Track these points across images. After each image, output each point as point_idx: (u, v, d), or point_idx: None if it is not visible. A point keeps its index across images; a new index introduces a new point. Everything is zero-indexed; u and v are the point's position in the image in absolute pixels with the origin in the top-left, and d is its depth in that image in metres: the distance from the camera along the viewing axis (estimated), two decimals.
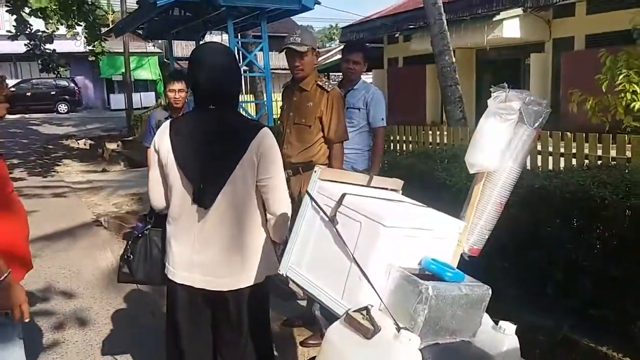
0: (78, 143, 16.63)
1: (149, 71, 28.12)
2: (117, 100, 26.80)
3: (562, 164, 4.76)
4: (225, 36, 28.47)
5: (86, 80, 28.95)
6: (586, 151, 4.62)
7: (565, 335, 3.28)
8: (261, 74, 10.61)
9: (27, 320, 1.74)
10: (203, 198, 1.89)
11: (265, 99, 10.57)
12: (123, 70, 21.65)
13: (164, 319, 2.22)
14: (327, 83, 3.21)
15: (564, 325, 3.33)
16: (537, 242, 3.58)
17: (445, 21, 7.53)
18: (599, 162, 4.38)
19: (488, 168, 1.64)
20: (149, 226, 2.32)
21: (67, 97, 25.97)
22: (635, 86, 4.80)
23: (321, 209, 1.55)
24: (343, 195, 1.51)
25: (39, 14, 9.68)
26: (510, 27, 12.93)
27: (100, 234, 6.17)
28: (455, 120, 7.42)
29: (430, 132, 6.30)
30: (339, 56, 31.23)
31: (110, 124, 21.43)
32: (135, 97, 20.05)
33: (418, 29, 14.86)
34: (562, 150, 4.82)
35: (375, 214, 1.43)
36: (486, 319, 1.62)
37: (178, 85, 4.10)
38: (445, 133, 6.35)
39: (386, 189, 1.80)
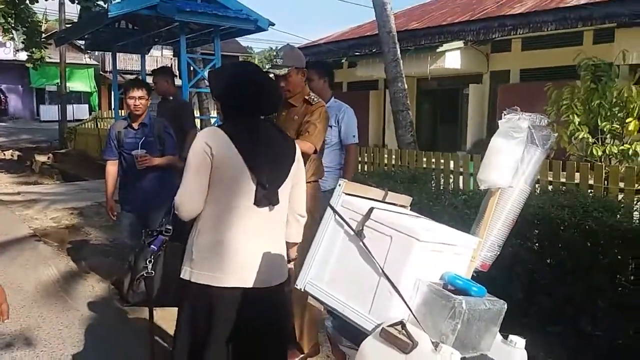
0: (4, 154, 15.61)
1: (84, 83, 27.07)
2: (48, 111, 25.57)
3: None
4: (166, 51, 27.91)
5: (14, 90, 27.38)
6: (537, 176, 4.89)
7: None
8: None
9: (4, 319, 1.79)
10: (270, 197, 2.03)
11: (211, 115, 10.42)
12: (56, 80, 20.68)
13: (125, 336, 2.12)
14: (314, 98, 3.21)
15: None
16: (499, 262, 3.72)
17: (398, 49, 7.79)
18: (550, 187, 4.64)
19: (498, 185, 1.70)
20: (166, 239, 2.21)
21: None
22: (578, 117, 5.15)
23: (346, 222, 1.54)
24: (371, 209, 1.51)
25: None
26: (452, 58, 13.58)
27: (41, 249, 5.78)
28: (406, 144, 7.62)
29: (385, 155, 6.43)
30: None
31: (40, 135, 20.32)
32: (69, 108, 19.14)
33: (363, 56, 15.30)
34: None
35: (408, 228, 1.43)
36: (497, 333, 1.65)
37: (139, 93, 4.05)
38: (395, 155, 6.51)
39: (396, 204, 1.82)
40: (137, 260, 2.30)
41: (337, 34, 18.18)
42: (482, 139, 14.28)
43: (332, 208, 1.60)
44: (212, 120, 11.10)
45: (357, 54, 15.63)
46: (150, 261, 2.23)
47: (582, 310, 3.41)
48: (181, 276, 2.08)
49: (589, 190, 4.32)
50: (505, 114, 1.75)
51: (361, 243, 1.49)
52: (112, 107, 23.80)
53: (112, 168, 4.23)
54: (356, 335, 1.52)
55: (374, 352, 1.34)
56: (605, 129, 5.19)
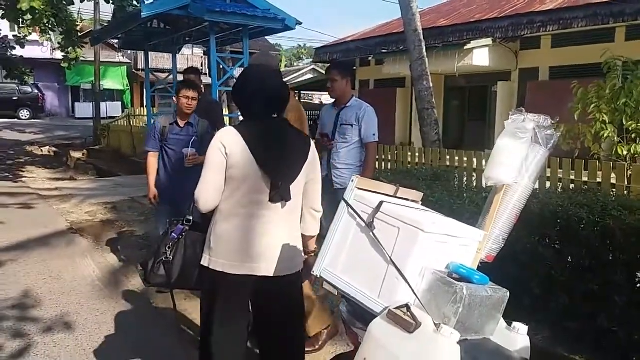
0: (42, 150, 16.21)
1: (117, 81, 27.78)
2: (83, 109, 26.31)
3: (536, 186, 5.02)
4: (196, 50, 28.33)
5: (50, 88, 28.29)
6: (560, 175, 4.92)
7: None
8: None
9: None
10: (283, 193, 2.16)
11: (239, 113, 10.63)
12: (91, 78, 21.32)
13: (156, 324, 2.29)
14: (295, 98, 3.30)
15: (539, 335, 3.55)
16: (517, 258, 3.79)
17: (424, 47, 7.85)
18: (572, 185, 4.67)
19: (503, 181, 1.81)
20: (187, 228, 2.40)
21: (29, 103, 25.32)
22: (605, 116, 5.15)
23: (359, 215, 1.68)
24: (381, 203, 1.64)
25: (24, 16, 9.49)
26: (480, 55, 13.48)
27: (77, 241, 6.07)
28: (431, 142, 7.69)
29: (409, 153, 6.52)
30: (309, 75, 31.67)
31: (75, 132, 20.97)
32: (102, 106, 19.73)
33: (390, 53, 15.32)
34: None
35: (414, 220, 1.56)
36: (501, 320, 1.76)
37: (191, 93, 4.30)
38: (419, 154, 6.58)
39: (408, 199, 1.94)
40: (160, 246, 2.50)
41: (365, 31, 18.23)
42: None
43: (346, 202, 1.73)
44: (241, 119, 11.34)
45: (384, 51, 15.65)
46: (169, 248, 2.42)
47: (600, 307, 3.46)
48: (201, 263, 2.27)
49: (612, 190, 4.34)
50: (511, 115, 1.85)
51: (372, 234, 1.62)
52: (145, 104, 24.45)
53: (153, 159, 4.47)
54: (367, 318, 1.66)
55: (381, 331, 1.48)
56: (630, 128, 5.16)
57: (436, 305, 1.52)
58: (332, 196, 4.08)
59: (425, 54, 7.88)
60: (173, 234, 2.50)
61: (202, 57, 29.53)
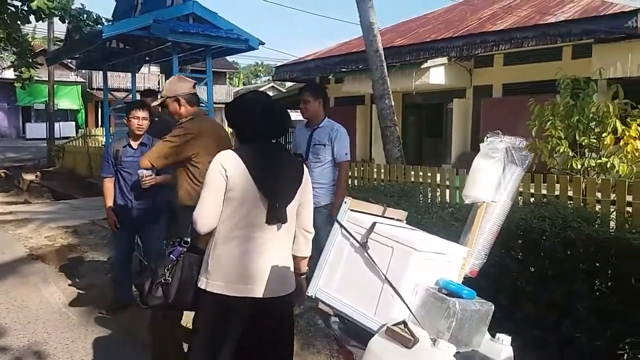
0: None
1: (71, 100, 27.06)
2: (34, 129, 25.50)
3: None
4: (153, 68, 27.98)
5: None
6: (520, 189, 5.14)
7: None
8: (205, 107, 10.67)
9: None
10: (279, 215, 2.23)
11: None
12: (44, 98, 20.73)
13: (129, 349, 2.28)
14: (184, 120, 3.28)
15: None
16: (486, 271, 3.93)
17: (385, 67, 8.07)
18: (532, 198, 4.89)
19: (481, 199, 1.92)
20: (184, 250, 2.40)
21: None
22: (560, 132, 5.44)
23: (352, 236, 1.75)
24: (374, 224, 1.72)
25: None
26: (436, 74, 13.93)
27: (39, 268, 5.89)
28: (394, 159, 7.87)
29: (374, 169, 6.65)
30: (269, 93, 31.74)
31: (27, 153, 20.28)
32: (55, 126, 19.16)
33: (350, 72, 15.61)
34: None
35: (407, 240, 1.64)
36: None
37: (142, 113, 4.29)
38: (384, 170, 6.72)
39: (394, 218, 2.03)
40: (158, 267, 2.49)
41: (324, 50, 18.50)
42: (466, 152, 14.60)
43: (339, 223, 1.80)
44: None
45: (344, 70, 15.93)
46: (168, 270, 2.42)
47: (564, 315, 3.63)
48: (198, 285, 2.28)
49: (569, 202, 4.57)
50: (487, 137, 1.98)
51: (366, 254, 1.70)
52: (102, 124, 23.78)
53: (109, 185, 4.45)
54: (362, 335, 1.72)
55: (380, 348, 1.54)
56: (583, 143, 5.47)
57: (430, 321, 1.61)
58: None
59: (386, 73, 8.10)
60: (172, 256, 2.49)
61: (158, 75, 29.20)
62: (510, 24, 13.25)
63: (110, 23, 9.57)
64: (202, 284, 2.27)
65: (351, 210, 1.82)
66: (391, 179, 6.41)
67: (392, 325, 1.55)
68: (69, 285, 5.29)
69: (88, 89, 28.17)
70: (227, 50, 9.87)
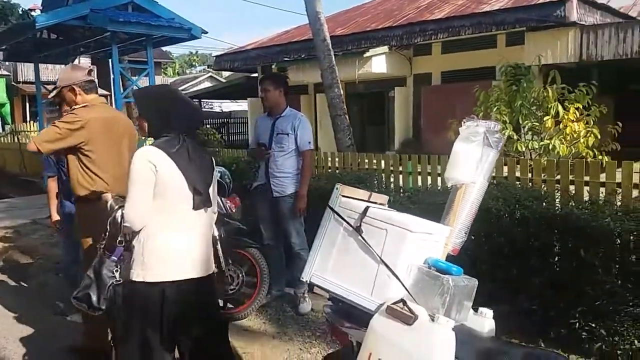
0: None
1: None
2: None
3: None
4: (84, 59, 26.75)
5: None
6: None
7: None
8: None
9: None
10: (205, 200, 2.37)
11: None
12: None
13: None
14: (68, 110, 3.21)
15: None
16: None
17: (333, 56, 8.13)
18: None
19: (462, 181, 2.02)
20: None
21: None
22: (505, 116, 5.71)
23: (345, 220, 1.79)
24: (367, 208, 1.77)
25: None
26: (378, 63, 14.16)
27: None
28: (345, 147, 7.98)
29: (329, 158, 6.72)
30: (207, 83, 31.15)
31: None
32: None
33: (293, 61, 15.59)
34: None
35: (401, 222, 1.71)
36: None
37: None
38: (339, 158, 6.82)
39: (376, 202, 2.09)
40: (100, 271, 2.46)
41: (265, 39, 18.34)
42: (409, 139, 14.99)
43: (331, 208, 1.84)
44: None
45: (286, 59, 15.88)
46: (117, 270, 2.43)
47: (520, 290, 3.85)
48: (133, 279, 2.32)
49: (517, 182, 4.82)
50: (465, 122, 2.07)
51: (360, 237, 1.75)
52: (30, 119, 22.48)
53: (52, 184, 4.33)
54: (357, 316, 1.78)
55: (382, 326, 1.60)
56: (526, 127, 5.77)
57: (424, 298, 1.68)
58: (271, 204, 4.17)
59: (334, 62, 8.17)
60: (114, 257, 2.46)
61: (90, 66, 27.92)
62: (447, 12, 13.65)
63: (42, 13, 9.05)
64: (137, 277, 2.31)
65: (342, 196, 1.86)
66: (345, 167, 6.50)
67: (392, 304, 1.61)
68: (19, 287, 5.04)
69: (13, 82, 26.53)
70: (168, 39, 9.62)
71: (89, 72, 3.30)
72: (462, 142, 2.06)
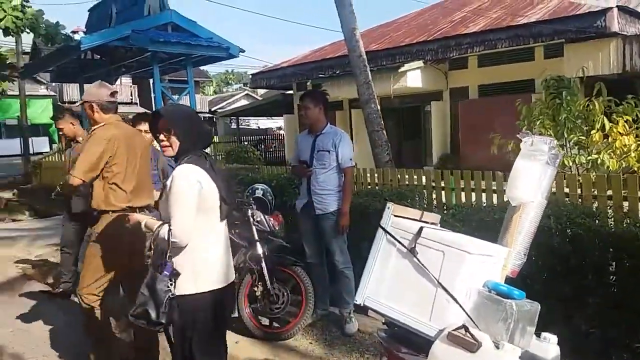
0: None
1: (43, 115, 26.37)
2: (6, 146, 24.73)
3: (494, 200, 5.29)
4: (125, 79, 27.53)
5: None
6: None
7: None
8: None
9: None
10: (230, 210, 2.53)
11: None
12: (15, 114, 20.16)
13: None
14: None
15: None
16: None
17: (369, 71, 8.11)
18: None
19: (526, 200, 1.94)
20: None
21: None
22: (549, 130, 5.55)
23: (399, 242, 1.74)
24: (421, 229, 1.71)
25: None
26: (413, 77, 14.08)
27: (35, 288, 5.67)
28: (383, 162, 7.90)
29: (369, 174, 6.67)
30: (244, 101, 31.64)
31: None
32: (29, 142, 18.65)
33: (327, 77, 15.67)
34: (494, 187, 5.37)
35: (459, 243, 1.65)
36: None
37: (144, 127, 4.19)
38: (378, 174, 6.75)
39: (428, 222, 2.03)
40: (154, 287, 2.47)
41: (300, 57, 18.52)
42: (447, 153, 14.79)
43: (384, 229, 1.79)
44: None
45: (321, 75, 15.97)
46: (171, 284, 2.44)
47: (575, 311, 3.68)
48: (186, 293, 2.39)
49: (566, 198, 4.65)
50: (522, 138, 1.99)
51: (415, 259, 1.69)
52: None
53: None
54: (414, 342, 1.71)
55: (443, 353, 1.54)
56: (571, 141, 5.59)
57: (486, 323, 1.61)
58: (314, 221, 4.14)
59: (370, 77, 8.14)
60: (166, 272, 2.48)
61: (131, 86, 28.76)
62: (482, 26, 13.50)
63: (83, 34, 9.37)
64: (189, 289, 2.40)
65: (394, 215, 1.81)
66: (385, 183, 6.42)
67: (453, 330, 1.54)
68: (71, 305, 5.12)
69: (59, 102, 27.55)
70: (207, 58, 9.81)
71: (112, 94, 3.40)
72: (524, 160, 1.98)
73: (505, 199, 5.03)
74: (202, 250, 2.43)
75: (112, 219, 3.19)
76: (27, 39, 12.52)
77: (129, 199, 3.22)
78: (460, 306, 1.59)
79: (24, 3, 10.66)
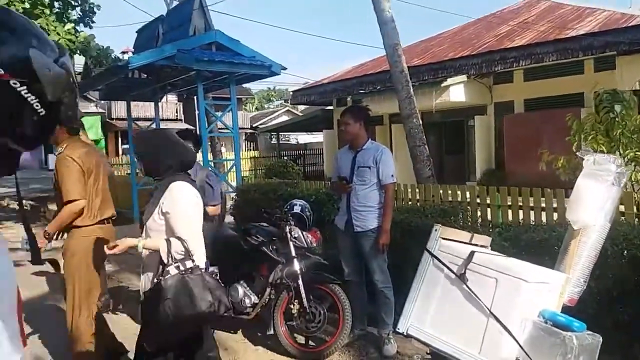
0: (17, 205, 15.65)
1: (92, 131, 27.34)
2: None
3: (543, 218, 5.05)
4: (170, 97, 28.31)
5: None
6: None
7: None
8: (229, 133, 10.66)
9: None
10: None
11: (233, 157, 10.54)
12: None
13: None
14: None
15: None
16: None
17: (411, 87, 7.99)
18: None
19: (589, 224, 1.79)
20: None
21: None
22: (602, 146, 5.28)
23: (447, 267, 1.63)
24: (472, 253, 1.60)
25: None
26: (456, 92, 13.85)
27: None
28: (424, 178, 7.74)
29: (409, 190, 6.52)
30: (284, 117, 31.94)
31: (50, 184, 20.36)
32: None
33: (368, 93, 15.62)
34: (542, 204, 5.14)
35: (514, 270, 1.52)
36: None
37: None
38: (419, 190, 6.60)
39: (478, 244, 1.90)
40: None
41: (341, 72, 18.56)
42: (491, 169, 14.41)
43: (430, 253, 1.68)
44: (229, 163, 11.25)
45: (361, 91, 15.93)
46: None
47: (633, 337, 3.43)
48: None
49: (621, 217, 4.39)
50: (583, 156, 1.85)
51: (465, 286, 1.57)
52: (122, 153, 23.90)
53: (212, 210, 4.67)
54: None
55: None
56: (627, 157, 5.30)
57: (542, 358, 1.47)
58: (353, 239, 4.04)
59: (412, 92, 8.03)
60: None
61: (176, 103, 29.51)
62: (529, 39, 13.17)
63: (131, 54, 9.63)
64: None
65: (442, 238, 1.70)
66: (427, 199, 6.26)
67: None
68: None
69: (107, 119, 28.56)
70: (250, 76, 9.89)
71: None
72: (587, 179, 1.84)
73: (556, 218, 4.86)
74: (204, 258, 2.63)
75: (85, 234, 3.39)
76: (79, 60, 12.97)
77: (99, 213, 3.44)
78: (514, 339, 1.46)
79: (76, 27, 11.09)
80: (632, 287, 3.45)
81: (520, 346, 1.44)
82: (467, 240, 1.81)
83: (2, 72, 0.83)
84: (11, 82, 0.84)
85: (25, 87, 0.85)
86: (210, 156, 13.95)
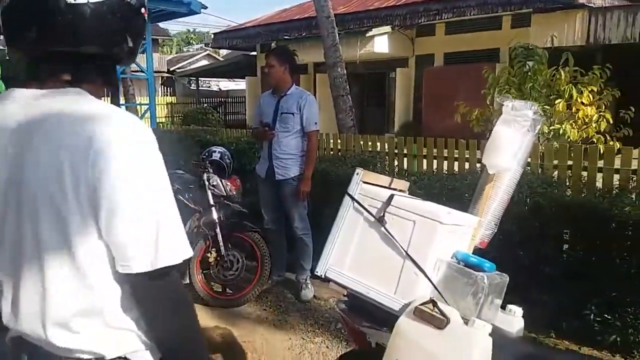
0: None
1: None
2: None
3: (456, 167, 5.25)
4: None
5: None
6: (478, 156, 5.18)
7: None
8: (144, 76, 10.07)
9: None
10: None
11: (148, 101, 10.01)
12: None
13: None
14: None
15: None
16: None
17: (337, 34, 7.87)
18: None
19: (505, 169, 1.83)
20: None
21: None
22: (515, 99, 5.51)
23: (367, 210, 1.61)
24: (391, 196, 1.58)
25: None
26: (380, 43, 13.88)
27: None
28: (346, 128, 7.77)
29: (331, 140, 6.52)
30: (204, 61, 30.66)
31: None
32: None
33: (292, 39, 15.26)
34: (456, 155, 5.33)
35: (430, 212, 1.53)
36: None
37: None
38: (341, 140, 6.63)
39: (396, 189, 1.91)
40: None
41: (265, 16, 17.97)
42: (409, 121, 14.78)
43: (351, 196, 1.66)
44: (143, 108, 10.72)
45: (286, 37, 15.56)
46: None
47: (530, 281, 3.70)
48: None
49: (527, 167, 4.65)
50: (503, 102, 1.88)
51: (383, 228, 1.57)
52: None
53: None
54: (377, 315, 1.61)
55: (409, 329, 1.43)
56: None
57: (455, 298, 1.51)
58: (274, 186, 3.98)
59: (338, 40, 7.91)
60: None
61: None
62: None
63: None
64: None
65: (363, 182, 1.68)
66: (348, 149, 6.30)
67: (420, 304, 1.44)
68: None
69: (7, 57, 26.04)
70: (166, 14, 9.31)
71: None
72: (504, 125, 1.86)
73: (476, 166, 5.07)
74: None
75: None
76: None
77: None
78: (429, 279, 1.49)
79: None
80: (533, 233, 3.70)
81: (434, 286, 1.47)
82: (387, 185, 1.80)
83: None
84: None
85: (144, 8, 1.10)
86: (122, 100, 13.17)
